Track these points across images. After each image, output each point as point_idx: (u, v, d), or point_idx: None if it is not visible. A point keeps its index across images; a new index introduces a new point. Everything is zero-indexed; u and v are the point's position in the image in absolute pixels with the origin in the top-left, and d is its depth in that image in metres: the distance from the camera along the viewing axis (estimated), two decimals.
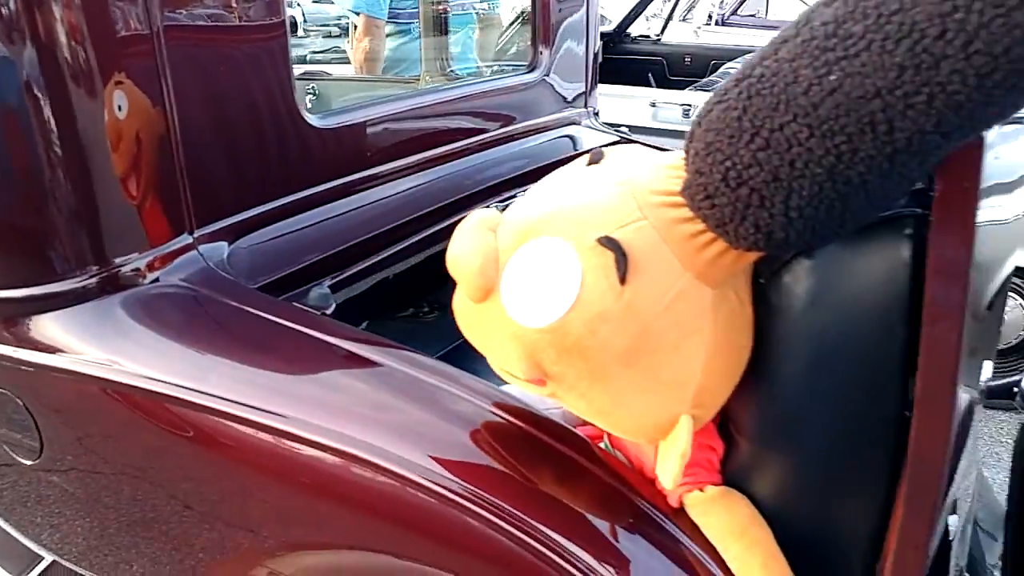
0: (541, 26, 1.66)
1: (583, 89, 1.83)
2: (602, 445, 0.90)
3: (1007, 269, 1.36)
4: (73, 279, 1.00)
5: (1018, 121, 0.78)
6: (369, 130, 1.25)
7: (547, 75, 1.68)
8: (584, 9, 1.78)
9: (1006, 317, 3.01)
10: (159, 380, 0.94)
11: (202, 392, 0.92)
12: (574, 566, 0.77)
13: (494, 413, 0.87)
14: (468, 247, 0.72)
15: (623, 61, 4.95)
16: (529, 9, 1.68)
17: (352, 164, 1.22)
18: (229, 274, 1.05)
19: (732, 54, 4.62)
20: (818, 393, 0.73)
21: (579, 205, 0.70)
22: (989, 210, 1.30)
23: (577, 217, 0.69)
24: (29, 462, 1.11)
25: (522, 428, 0.87)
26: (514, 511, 0.79)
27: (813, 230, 0.63)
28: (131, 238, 1.02)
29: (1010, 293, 3.01)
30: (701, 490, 0.79)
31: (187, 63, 1.00)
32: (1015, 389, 1.69)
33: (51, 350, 1.00)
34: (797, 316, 0.72)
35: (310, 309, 1.05)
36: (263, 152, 1.12)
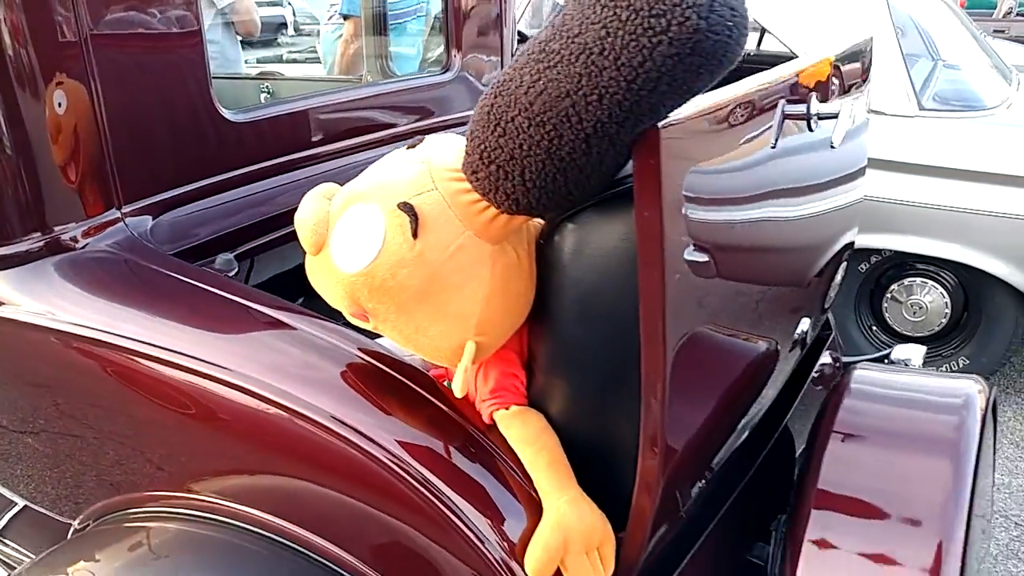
0: (453, 31, 1.87)
1: None
2: (446, 383, 1.11)
3: (838, 245, 1.57)
4: (19, 244, 1.20)
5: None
6: (280, 123, 1.46)
7: (460, 74, 1.89)
8: (498, 14, 1.98)
9: (929, 305, 3.21)
10: (85, 327, 1.15)
11: (120, 335, 1.14)
12: (409, 474, 0.98)
13: (360, 357, 1.08)
14: (306, 212, 0.93)
15: None
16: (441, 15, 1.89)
17: (264, 153, 1.43)
18: (150, 243, 1.26)
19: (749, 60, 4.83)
20: (584, 330, 0.95)
21: (389, 179, 0.92)
22: (830, 199, 1.53)
23: (386, 188, 0.90)
24: None
25: (382, 369, 1.07)
26: (366, 432, 1.01)
27: (549, 197, 0.84)
28: (68, 211, 1.23)
29: (932, 282, 3.22)
30: (506, 409, 1.00)
31: (113, 66, 1.20)
32: (886, 360, 1.90)
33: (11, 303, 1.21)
34: (564, 268, 0.93)
35: (216, 271, 1.26)
36: (182, 141, 1.33)
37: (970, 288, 3.12)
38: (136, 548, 1.18)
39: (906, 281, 3.22)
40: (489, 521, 0.97)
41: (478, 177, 0.85)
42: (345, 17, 2.92)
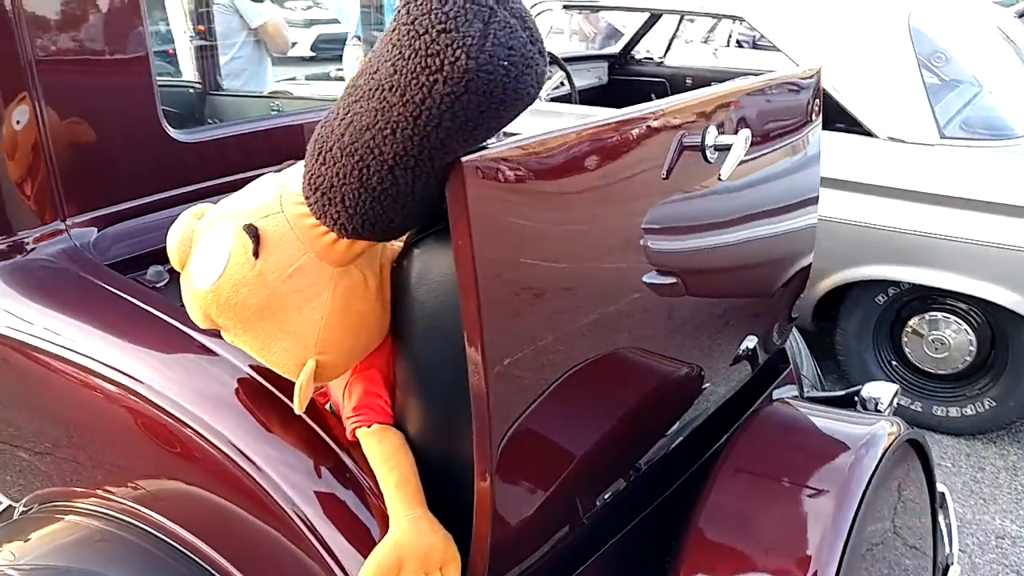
0: None
1: None
2: (327, 406, 1.16)
3: (770, 267, 1.56)
4: None
5: None
6: (227, 144, 1.54)
7: None
8: None
9: (952, 342, 3.08)
10: (16, 329, 1.25)
11: (44, 339, 1.23)
12: (273, 485, 1.03)
13: (250, 374, 1.14)
14: (176, 229, 1.00)
15: (628, 83, 5.17)
16: None
17: (209, 172, 1.51)
18: (91, 253, 1.35)
19: (730, 75, 4.79)
20: (430, 351, 0.98)
21: (246, 201, 0.97)
22: (788, 222, 1.51)
23: (240, 209, 0.96)
24: None
25: (266, 387, 1.13)
26: (241, 446, 1.06)
27: (371, 223, 0.88)
28: (16, 221, 1.33)
29: (956, 318, 3.09)
30: (368, 427, 1.04)
31: (55, 87, 1.30)
32: (856, 397, 1.86)
33: None
34: (410, 291, 0.96)
35: (145, 282, 1.35)
36: (128, 159, 1.42)
37: (997, 326, 2.99)
38: (54, 537, 1.26)
39: (928, 315, 3.10)
40: (339, 535, 1.00)
41: (309, 203, 0.90)
42: (359, 39, 3.03)
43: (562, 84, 4.43)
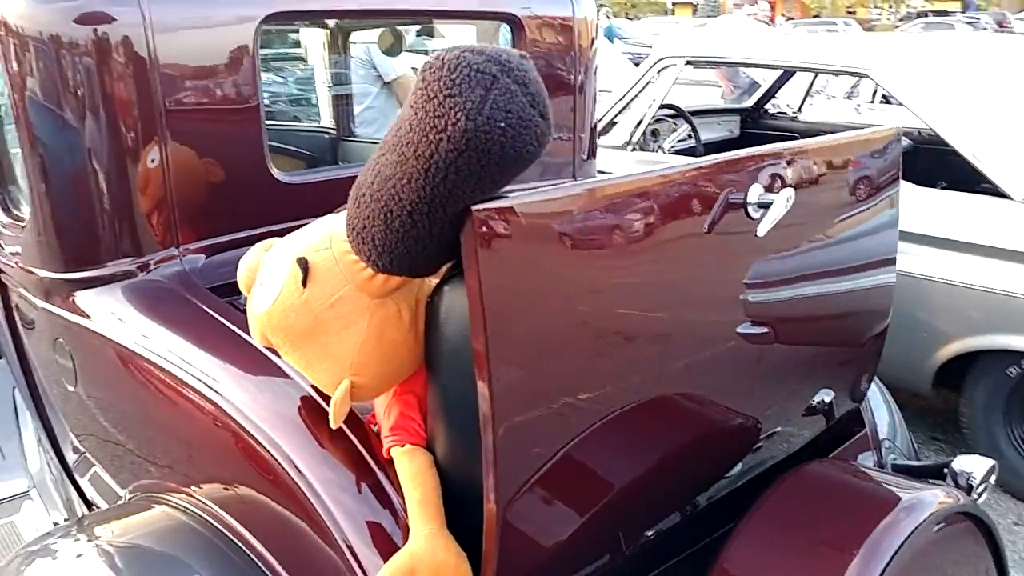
0: None
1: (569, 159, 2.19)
2: (374, 427, 1.26)
3: (838, 326, 1.53)
4: (102, 269, 1.53)
5: None
6: (323, 186, 1.71)
7: None
8: (572, 99, 2.13)
9: None
10: (128, 338, 1.45)
11: (147, 348, 1.41)
12: (317, 495, 1.15)
13: (311, 395, 1.26)
14: (246, 260, 1.14)
15: (760, 137, 5.12)
16: None
17: (309, 211, 1.68)
18: (196, 277, 1.54)
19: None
20: (453, 380, 1.06)
21: (304, 238, 1.10)
22: (853, 282, 1.50)
23: (297, 244, 1.09)
24: (71, 388, 1.66)
25: (323, 408, 1.24)
26: (294, 457, 1.19)
27: (399, 261, 0.98)
28: (140, 247, 1.54)
29: None
30: (401, 447, 1.13)
31: (181, 136, 1.51)
32: (945, 470, 1.79)
33: (82, 314, 1.54)
34: (438, 325, 1.06)
35: (238, 305, 1.51)
36: (237, 198, 1.61)
37: None
38: (146, 523, 1.43)
39: None
40: (365, 541, 1.10)
41: (349, 241, 1.01)
42: None
43: (689, 136, 4.46)
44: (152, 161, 1.51)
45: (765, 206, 1.18)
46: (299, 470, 1.17)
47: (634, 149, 3.97)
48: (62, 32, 1.43)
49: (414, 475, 1.10)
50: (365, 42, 3.32)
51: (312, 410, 1.23)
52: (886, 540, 1.12)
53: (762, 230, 1.17)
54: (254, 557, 1.25)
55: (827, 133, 4.81)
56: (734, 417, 1.33)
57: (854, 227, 1.46)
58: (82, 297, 1.53)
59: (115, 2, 1.42)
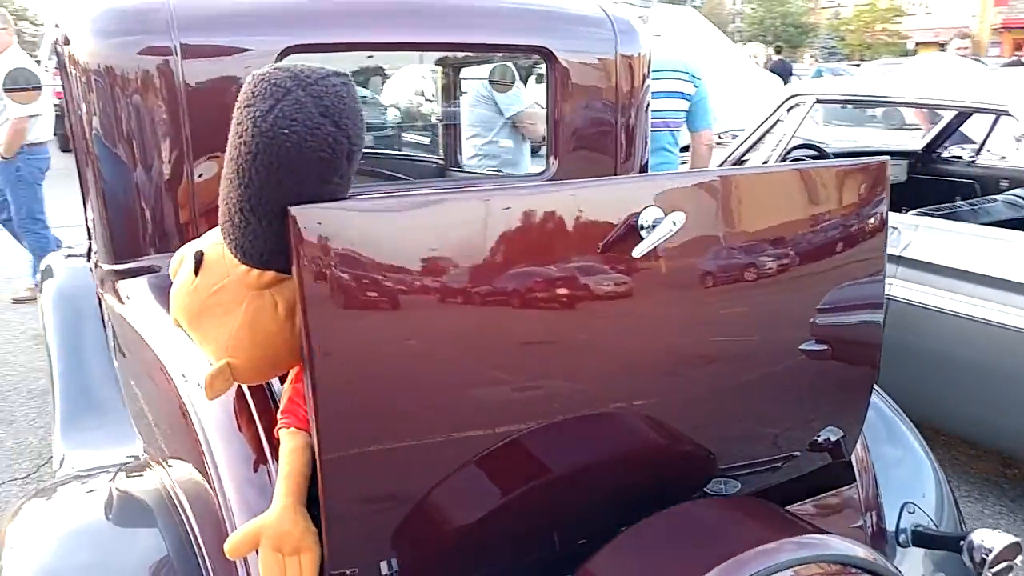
0: (552, 139, 2.11)
1: None
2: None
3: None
4: (139, 262, 1.79)
5: None
6: None
7: (554, 177, 2.10)
8: (613, 123, 2.16)
9: None
10: (145, 328, 1.68)
11: (145, 330, 1.63)
12: (218, 473, 1.28)
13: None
14: (177, 252, 1.31)
15: (929, 183, 4.73)
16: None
17: None
18: None
19: None
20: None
21: (213, 233, 1.24)
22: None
23: (207, 238, 1.24)
24: (117, 364, 1.94)
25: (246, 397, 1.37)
26: (209, 436, 1.33)
27: (248, 254, 1.09)
28: (164, 246, 1.79)
29: None
30: (286, 428, 1.24)
31: (202, 154, 1.74)
32: (961, 541, 1.63)
33: (118, 299, 1.80)
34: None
35: None
36: None
37: None
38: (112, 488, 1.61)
39: None
40: (242, 509, 1.22)
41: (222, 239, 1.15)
42: None
43: None
44: (180, 175, 1.75)
45: (652, 227, 1.17)
46: (210, 447, 1.32)
47: None
48: (122, 63, 1.71)
49: (287, 454, 1.20)
50: (485, 78, 3.51)
51: (239, 398, 1.38)
52: None
53: (638, 251, 1.16)
54: (186, 526, 1.41)
55: (1008, 179, 4.40)
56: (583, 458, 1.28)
57: (820, 266, 1.37)
58: (121, 285, 1.80)
59: (158, 36, 1.68)
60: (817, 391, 1.46)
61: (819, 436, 1.50)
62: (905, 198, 4.31)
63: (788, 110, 3.77)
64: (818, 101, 3.72)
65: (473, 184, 2.08)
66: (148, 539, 1.44)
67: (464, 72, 3.31)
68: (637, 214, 1.16)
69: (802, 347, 1.40)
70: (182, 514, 1.43)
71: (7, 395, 4.14)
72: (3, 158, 5.24)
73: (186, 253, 1.27)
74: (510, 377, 1.15)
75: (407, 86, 4.36)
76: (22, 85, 2.65)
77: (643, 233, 1.17)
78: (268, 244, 1.08)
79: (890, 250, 3.18)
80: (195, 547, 1.37)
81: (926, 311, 3.04)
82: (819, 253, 1.36)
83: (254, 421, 1.33)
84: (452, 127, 3.32)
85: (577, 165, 2.13)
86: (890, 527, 1.72)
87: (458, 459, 1.14)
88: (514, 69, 3.35)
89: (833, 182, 1.37)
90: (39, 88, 2.76)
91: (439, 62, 3.15)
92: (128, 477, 1.60)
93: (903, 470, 1.86)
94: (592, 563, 1.16)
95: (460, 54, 2.91)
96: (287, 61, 1.75)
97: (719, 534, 1.17)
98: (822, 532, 1.20)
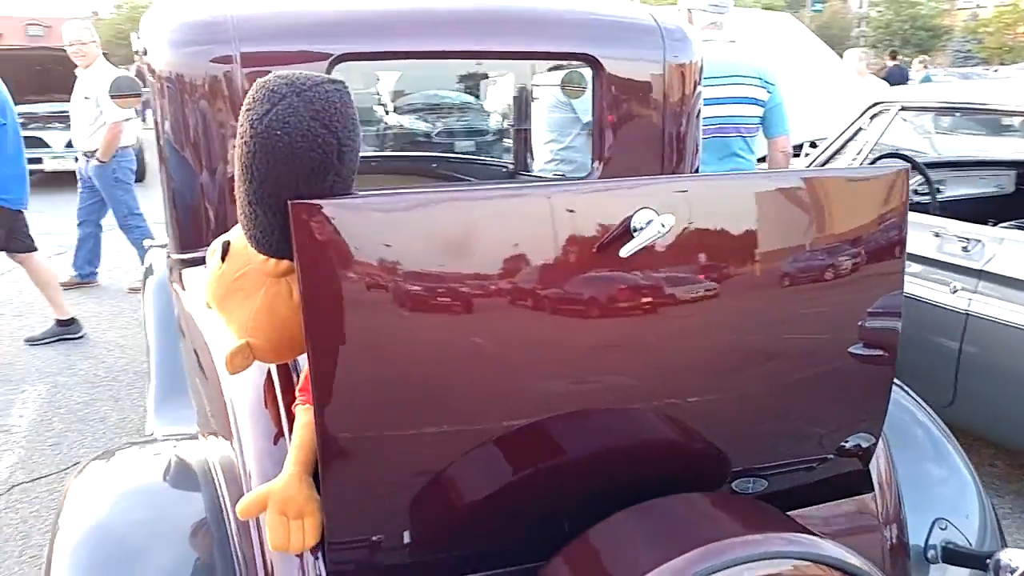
0: (597, 143, 2.15)
1: None
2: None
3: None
4: (194, 253, 1.95)
5: None
6: None
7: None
8: (660, 129, 2.18)
9: None
10: (188, 304, 1.83)
11: (195, 314, 1.78)
12: (242, 447, 1.41)
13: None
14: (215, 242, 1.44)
15: None
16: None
17: None
18: None
19: None
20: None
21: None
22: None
23: (234, 230, 1.36)
24: (182, 345, 2.11)
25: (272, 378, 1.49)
26: (237, 411, 1.46)
27: (261, 244, 1.19)
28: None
29: None
30: (302, 405, 1.35)
31: None
32: (988, 560, 1.60)
33: (181, 286, 1.97)
34: None
35: None
36: None
37: None
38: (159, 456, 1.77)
39: None
40: (259, 477, 1.34)
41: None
42: None
43: (923, 190, 4.08)
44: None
45: (640, 229, 1.21)
46: (237, 422, 1.44)
47: None
48: (190, 71, 1.87)
49: (299, 427, 1.31)
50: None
51: (268, 378, 1.50)
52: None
53: (625, 251, 1.20)
54: (219, 492, 1.54)
55: None
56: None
57: (837, 272, 1.36)
58: (185, 273, 1.97)
59: (221, 46, 1.84)
60: (832, 398, 1.45)
61: (834, 442, 1.50)
62: (1007, 211, 4.09)
63: (871, 118, 3.66)
64: (903, 109, 3.60)
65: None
66: (192, 503, 1.58)
67: (542, 79, 3.38)
68: (631, 216, 1.20)
69: (817, 354, 1.40)
70: (216, 482, 1.56)
71: (117, 375, 4.51)
72: (100, 161, 5.73)
73: (217, 243, 1.40)
74: (501, 366, 1.21)
75: (501, 93, 4.49)
76: (126, 92, 2.91)
77: (635, 234, 1.21)
78: (275, 235, 1.19)
79: (971, 263, 3.05)
80: (224, 512, 1.50)
81: (1008, 328, 2.90)
82: (837, 259, 1.36)
83: (277, 399, 1.44)
84: (523, 132, 3.40)
85: (621, 169, 2.16)
86: (918, 542, 1.69)
87: (450, 445, 1.21)
88: (584, 76, 3.40)
89: (852, 189, 1.37)
90: (139, 95, 3.03)
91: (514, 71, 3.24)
92: (180, 447, 1.76)
93: (943, 488, 1.82)
94: (564, 553, 1.21)
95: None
96: (339, 68, 1.89)
97: (684, 529, 1.20)
98: (808, 533, 1.21)
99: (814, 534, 1.23)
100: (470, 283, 1.15)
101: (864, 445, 1.52)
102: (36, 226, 5.02)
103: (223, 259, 1.32)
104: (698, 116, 2.29)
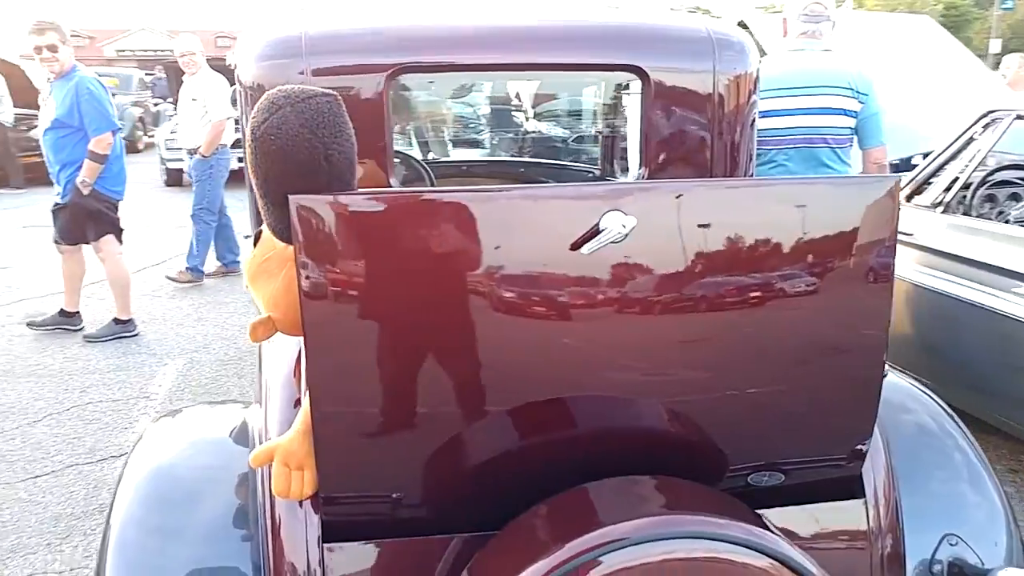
0: (644, 151, 2.23)
1: None
2: None
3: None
4: None
5: None
6: None
7: None
8: (705, 138, 2.24)
9: None
10: None
11: None
12: (267, 409, 1.63)
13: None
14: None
15: None
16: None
17: None
18: None
19: None
20: None
21: None
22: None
23: None
24: None
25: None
26: (269, 378, 1.68)
27: (280, 233, 1.39)
28: None
29: None
30: None
31: None
32: None
33: None
34: None
35: None
36: None
37: None
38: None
39: None
40: (277, 434, 1.55)
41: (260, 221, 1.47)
42: None
43: None
44: None
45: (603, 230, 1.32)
46: (266, 390, 1.67)
47: (946, 212, 3.60)
48: (270, 82, 2.12)
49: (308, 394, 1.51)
50: None
51: (297, 353, 1.70)
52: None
53: (586, 248, 1.31)
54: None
55: None
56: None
57: (825, 277, 1.41)
58: None
59: (296, 59, 2.07)
60: (819, 401, 1.49)
61: (820, 444, 1.53)
62: None
63: (984, 127, 3.49)
64: (1019, 117, 3.41)
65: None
66: (239, 458, 1.82)
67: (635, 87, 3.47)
68: (600, 218, 1.32)
69: (799, 358, 1.45)
70: (253, 440, 1.79)
71: (244, 356, 4.97)
72: (202, 156, 6.34)
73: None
74: (480, 347, 1.34)
75: (591, 102, 4.60)
76: None
77: (601, 235, 1.32)
78: (284, 224, 1.39)
79: None
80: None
81: None
82: (825, 265, 1.41)
83: (300, 370, 1.65)
84: (611, 139, 3.49)
85: (667, 178, 2.24)
86: (924, 556, 1.68)
87: (430, 422, 1.36)
88: None
89: (842, 196, 1.42)
90: None
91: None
92: (239, 410, 2.01)
93: (959, 502, 1.78)
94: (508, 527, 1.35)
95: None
96: (397, 79, 2.09)
97: (607, 509, 1.29)
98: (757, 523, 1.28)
99: (775, 533, 1.29)
100: (441, 268, 1.30)
101: (853, 449, 1.54)
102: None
103: (255, 245, 1.54)
104: (752, 126, 2.32)
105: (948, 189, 3.58)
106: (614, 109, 3.50)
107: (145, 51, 42.25)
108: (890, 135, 3.48)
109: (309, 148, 1.26)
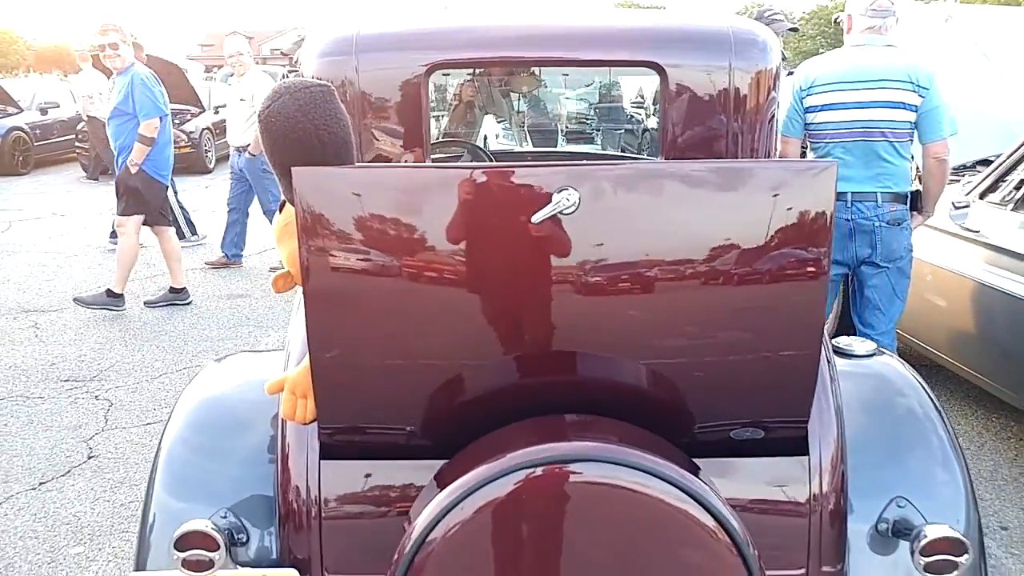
0: (661, 145, 2.39)
1: None
2: None
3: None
4: None
5: None
6: None
7: None
8: (722, 131, 2.37)
9: None
10: None
11: None
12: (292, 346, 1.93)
13: None
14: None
15: None
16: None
17: None
18: None
19: None
20: None
21: None
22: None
23: None
24: None
25: None
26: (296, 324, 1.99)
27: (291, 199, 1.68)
28: None
29: None
30: None
31: (366, 149, 2.41)
32: (908, 530, 1.71)
33: None
34: None
35: None
36: None
37: None
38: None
39: None
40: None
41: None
42: None
43: None
44: (351, 160, 2.41)
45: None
46: (290, 339, 1.97)
47: (1016, 209, 3.52)
48: (327, 75, 2.43)
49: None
50: None
51: None
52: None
53: (536, 217, 1.52)
54: None
55: None
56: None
57: (760, 259, 1.52)
58: None
59: (349, 55, 2.37)
60: (760, 366, 1.62)
61: (764, 404, 1.67)
62: None
63: None
64: None
65: None
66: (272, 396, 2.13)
67: None
68: (553, 193, 1.52)
69: (737, 328, 1.60)
70: None
71: None
72: (251, 155, 6.76)
73: None
74: (446, 298, 1.55)
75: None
76: None
77: (555, 207, 1.53)
78: (292, 191, 1.67)
79: None
80: None
81: None
82: (760, 247, 1.52)
83: None
84: (650, 131, 3.64)
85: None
86: (870, 515, 1.79)
87: (414, 369, 1.61)
88: None
89: (779, 181, 1.55)
90: None
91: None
92: (275, 356, 2.33)
93: (917, 472, 1.88)
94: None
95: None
96: (434, 75, 2.35)
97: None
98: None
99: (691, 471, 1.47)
100: (414, 230, 1.54)
101: (795, 409, 1.66)
102: None
103: (280, 211, 1.84)
104: (771, 121, 2.43)
105: (1020, 187, 3.50)
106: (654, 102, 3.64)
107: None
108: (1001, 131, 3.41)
109: (303, 130, 1.54)
